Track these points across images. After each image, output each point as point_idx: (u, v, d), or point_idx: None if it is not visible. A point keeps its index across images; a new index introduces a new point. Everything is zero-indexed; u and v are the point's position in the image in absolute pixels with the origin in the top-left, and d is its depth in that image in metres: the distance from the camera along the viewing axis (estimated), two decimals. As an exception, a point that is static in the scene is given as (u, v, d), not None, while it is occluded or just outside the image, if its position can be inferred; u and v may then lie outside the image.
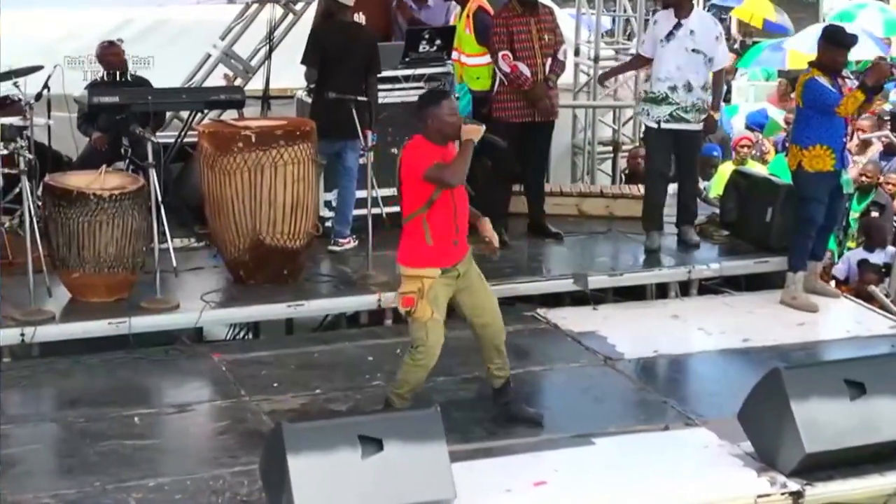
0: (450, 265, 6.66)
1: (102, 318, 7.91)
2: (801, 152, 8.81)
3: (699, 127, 9.47)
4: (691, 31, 9.30)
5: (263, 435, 6.42)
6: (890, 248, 10.65)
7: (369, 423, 5.96)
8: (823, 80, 8.65)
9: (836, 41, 8.83)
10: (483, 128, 6.68)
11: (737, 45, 21.90)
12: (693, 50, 9.29)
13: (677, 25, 9.31)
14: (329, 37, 9.09)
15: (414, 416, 6.20)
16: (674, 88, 9.31)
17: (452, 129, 6.59)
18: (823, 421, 6.35)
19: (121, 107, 9.22)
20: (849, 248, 11.46)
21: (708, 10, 22.11)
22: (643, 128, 10.06)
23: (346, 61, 8.97)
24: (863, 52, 15.54)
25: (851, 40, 8.96)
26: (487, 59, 9.73)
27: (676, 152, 9.60)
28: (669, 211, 9.94)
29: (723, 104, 16.45)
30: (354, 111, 8.60)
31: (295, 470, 5.66)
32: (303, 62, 9.14)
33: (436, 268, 6.61)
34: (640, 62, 10.11)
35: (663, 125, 9.39)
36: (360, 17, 9.91)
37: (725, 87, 18.35)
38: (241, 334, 8.87)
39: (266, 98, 10.48)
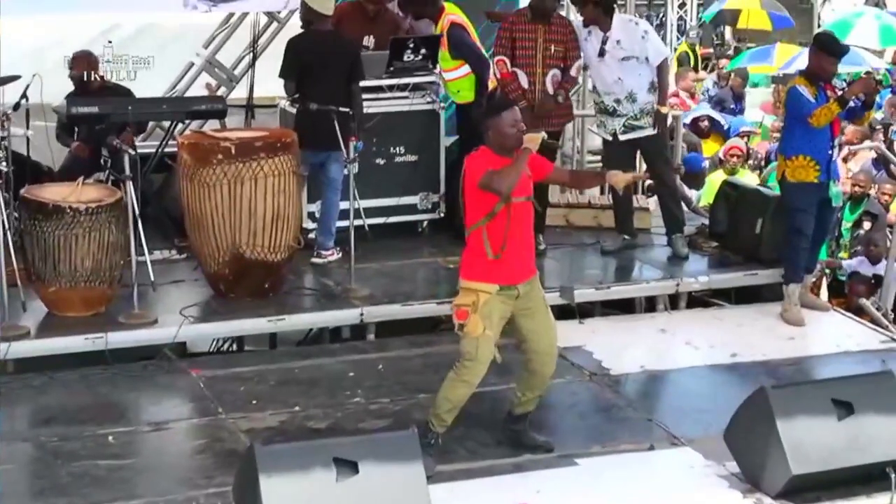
0: (509, 283, 6.45)
1: (79, 334, 7.76)
2: (785, 162, 8.76)
3: (655, 130, 9.42)
4: (618, 41, 9.27)
5: (239, 454, 6.29)
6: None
7: (345, 445, 5.85)
8: (805, 90, 8.55)
9: (825, 48, 8.72)
10: (542, 135, 6.52)
11: (731, 52, 21.86)
12: (624, 58, 9.26)
13: (605, 39, 9.29)
14: (306, 48, 8.93)
15: (390, 437, 6.09)
16: (618, 101, 9.34)
17: (514, 140, 6.39)
18: (810, 441, 6.26)
19: (100, 117, 9.09)
20: (841, 259, 11.32)
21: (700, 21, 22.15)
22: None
23: (327, 71, 8.81)
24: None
25: (842, 49, 8.86)
26: (464, 70, 9.63)
27: (645, 161, 9.66)
28: (660, 222, 9.84)
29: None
30: (337, 122, 8.46)
31: (267, 493, 5.55)
32: (280, 75, 8.99)
33: (493, 283, 6.41)
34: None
35: (620, 136, 9.42)
36: (369, 40, 9.75)
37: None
38: (225, 346, 8.74)
39: (250, 107, 10.36)
